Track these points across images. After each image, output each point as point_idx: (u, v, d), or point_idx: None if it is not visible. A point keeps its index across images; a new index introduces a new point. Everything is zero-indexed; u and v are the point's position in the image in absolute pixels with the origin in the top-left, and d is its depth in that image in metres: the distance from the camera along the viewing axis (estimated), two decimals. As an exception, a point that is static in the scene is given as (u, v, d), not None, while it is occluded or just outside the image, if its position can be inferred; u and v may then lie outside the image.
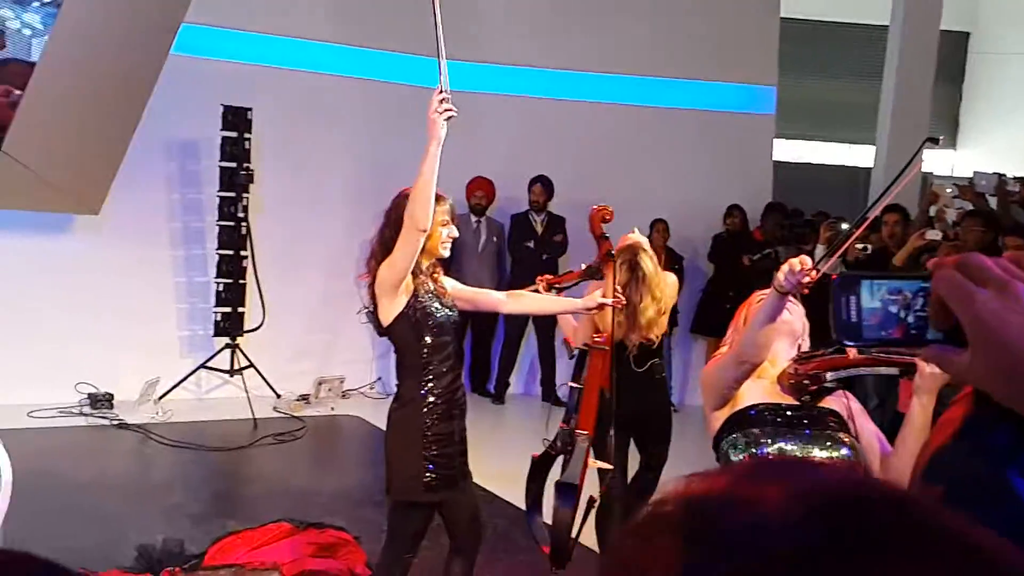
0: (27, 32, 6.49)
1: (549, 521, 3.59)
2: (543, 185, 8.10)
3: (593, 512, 3.69)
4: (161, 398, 7.02)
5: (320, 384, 7.60)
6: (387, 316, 3.24)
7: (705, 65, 8.64)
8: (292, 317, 7.58)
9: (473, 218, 8.02)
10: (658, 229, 7.87)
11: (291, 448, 6.51)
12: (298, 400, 7.40)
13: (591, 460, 3.56)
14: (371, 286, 3.24)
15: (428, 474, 3.21)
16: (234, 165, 7.11)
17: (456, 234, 3.38)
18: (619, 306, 3.61)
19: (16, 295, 6.83)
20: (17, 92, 6.33)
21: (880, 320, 0.80)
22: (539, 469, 3.71)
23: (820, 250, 7.12)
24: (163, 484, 5.70)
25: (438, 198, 3.24)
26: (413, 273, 3.21)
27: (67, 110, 6.53)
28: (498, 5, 8.35)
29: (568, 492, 3.44)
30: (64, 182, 6.70)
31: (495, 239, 8.15)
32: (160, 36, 6.64)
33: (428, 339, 3.24)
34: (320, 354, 7.89)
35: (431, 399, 3.23)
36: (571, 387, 3.65)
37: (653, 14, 8.55)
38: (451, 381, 3.28)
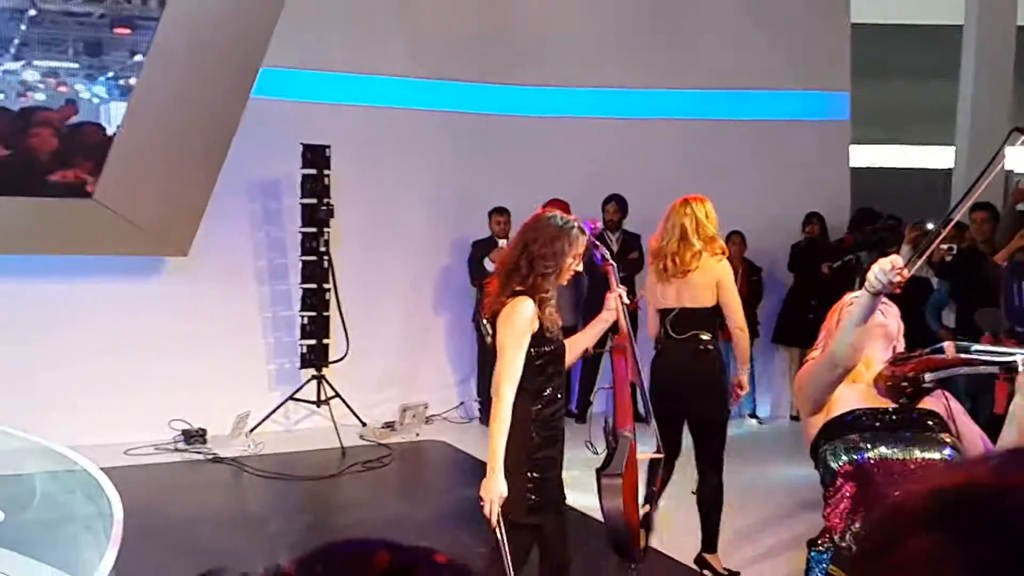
0: (96, 101, 6.80)
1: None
2: (617, 203, 8.12)
3: (651, 508, 3.68)
4: (252, 431, 7.19)
5: (404, 411, 7.71)
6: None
7: (776, 75, 8.59)
8: (375, 346, 7.71)
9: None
10: (734, 241, 7.82)
11: (379, 475, 6.61)
12: (383, 428, 7.51)
13: (639, 454, 3.56)
14: (496, 316, 3.24)
15: (532, 496, 3.24)
16: (314, 201, 7.29)
17: (581, 268, 3.43)
18: (625, 302, 3.67)
19: (110, 337, 7.07)
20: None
21: None
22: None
23: (905, 252, 7.01)
24: (259, 515, 5.83)
25: (581, 230, 3.34)
26: (540, 305, 3.24)
27: (154, 156, 6.78)
28: (566, 28, 8.43)
29: (611, 484, 3.42)
30: (153, 225, 6.94)
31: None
32: (240, 80, 6.87)
33: (547, 367, 3.28)
34: (403, 381, 8.01)
35: (540, 424, 3.26)
36: (604, 390, 3.69)
37: (720, 27, 8.54)
38: (560, 407, 3.34)
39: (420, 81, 8.05)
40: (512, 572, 3.17)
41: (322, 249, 7.32)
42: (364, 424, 7.44)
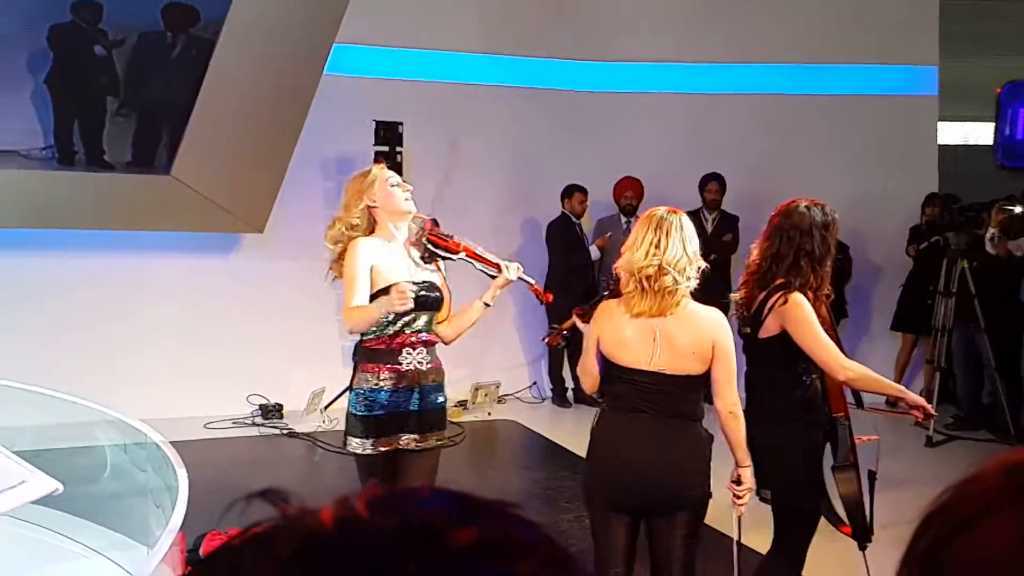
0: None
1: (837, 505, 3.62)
2: (719, 182, 7.95)
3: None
4: (327, 407, 7.26)
5: (477, 390, 7.71)
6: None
7: (861, 48, 8.33)
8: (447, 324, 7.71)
9: (623, 218, 7.97)
10: (816, 220, 7.62)
11: (452, 453, 6.58)
12: (456, 406, 7.52)
13: (856, 438, 3.53)
14: (770, 310, 3.31)
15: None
16: (388, 178, 7.30)
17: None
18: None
19: (189, 313, 7.21)
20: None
21: None
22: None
23: (991, 234, 6.76)
24: (332, 490, 5.85)
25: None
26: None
27: (230, 133, 6.87)
28: (641, 1, 8.29)
29: (845, 477, 3.45)
30: (230, 203, 7.03)
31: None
32: (314, 57, 6.90)
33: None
34: (476, 361, 8.01)
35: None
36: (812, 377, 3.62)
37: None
38: None
39: (493, 57, 8.00)
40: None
41: (395, 226, 7.33)
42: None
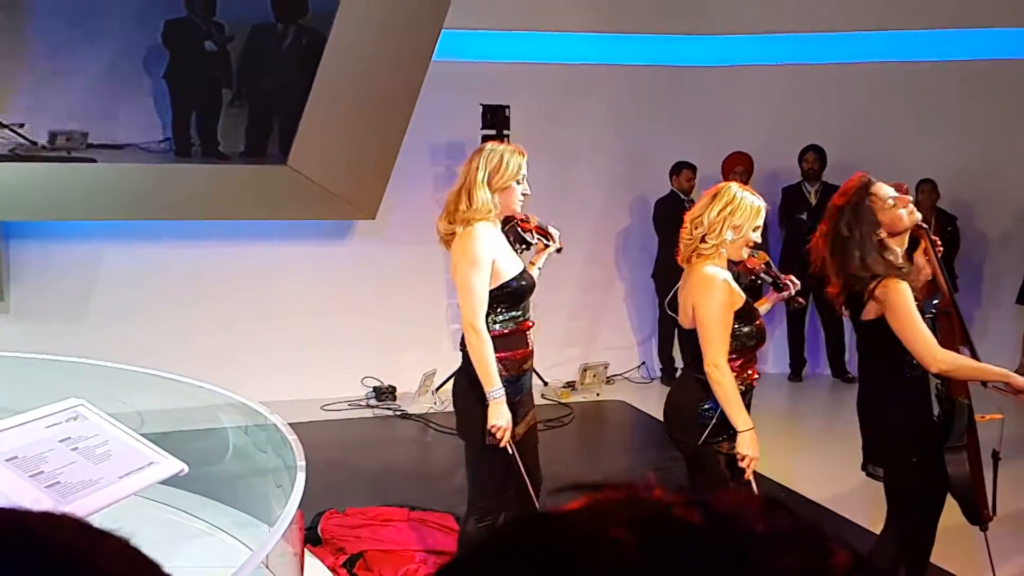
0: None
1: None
2: (816, 153, 7.78)
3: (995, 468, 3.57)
4: (438, 389, 7.38)
5: (585, 371, 7.72)
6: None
7: (975, 11, 7.97)
8: (555, 305, 7.74)
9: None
10: (923, 190, 7.38)
11: (560, 434, 6.66)
12: (564, 387, 7.56)
13: (978, 417, 3.47)
14: (869, 295, 3.28)
15: None
16: (495, 162, 7.35)
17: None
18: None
19: (307, 298, 7.42)
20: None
21: None
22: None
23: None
24: (445, 470, 5.99)
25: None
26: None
27: (342, 123, 7.01)
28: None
29: (954, 458, 3.37)
30: (343, 190, 7.20)
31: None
32: (422, 45, 6.99)
33: None
34: (584, 341, 8.02)
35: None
36: None
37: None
38: None
39: (597, 35, 7.95)
40: None
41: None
42: (545, 383, 7.50)
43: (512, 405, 3.49)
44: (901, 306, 3.20)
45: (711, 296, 3.31)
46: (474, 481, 3.63)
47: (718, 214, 3.33)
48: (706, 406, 3.39)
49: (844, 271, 3.30)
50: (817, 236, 3.41)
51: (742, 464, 3.34)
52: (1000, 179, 7.89)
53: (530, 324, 3.65)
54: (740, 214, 3.33)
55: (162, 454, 2.84)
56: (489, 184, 3.43)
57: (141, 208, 6.90)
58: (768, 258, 3.65)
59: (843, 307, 3.45)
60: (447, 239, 3.53)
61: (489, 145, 3.60)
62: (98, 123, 6.73)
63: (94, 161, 6.76)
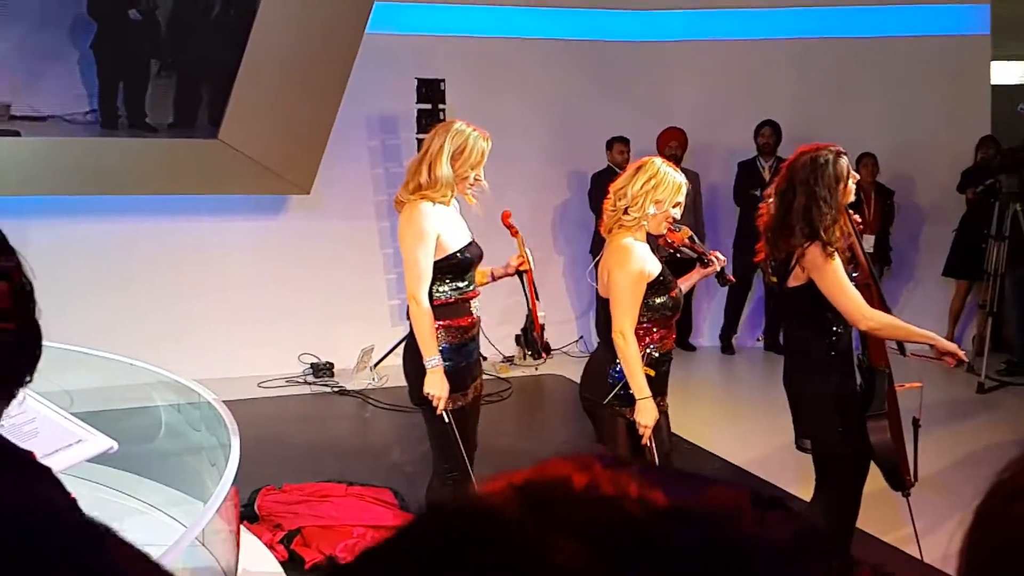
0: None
1: None
2: (772, 128, 7.85)
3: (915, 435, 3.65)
4: (376, 365, 7.35)
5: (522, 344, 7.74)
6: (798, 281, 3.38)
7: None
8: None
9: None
10: (864, 164, 7.51)
11: (500, 408, 6.68)
12: (503, 362, 7.57)
13: (897, 386, 3.56)
14: (798, 259, 3.32)
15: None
16: (431, 136, 7.31)
17: None
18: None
19: (241, 275, 7.31)
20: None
21: None
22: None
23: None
24: (382, 445, 5.99)
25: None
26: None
27: (274, 96, 6.90)
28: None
29: (877, 425, 3.46)
30: (277, 165, 7.09)
31: (690, 189, 7.99)
32: (355, 16, 6.89)
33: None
34: (522, 315, 8.01)
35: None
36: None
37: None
38: None
39: (533, 9, 7.93)
40: None
41: (440, 184, 7.35)
42: (484, 359, 7.49)
43: (459, 372, 3.55)
44: (828, 266, 3.26)
45: (624, 267, 3.38)
46: (434, 444, 3.65)
47: (641, 187, 3.38)
48: (616, 371, 3.43)
49: (783, 224, 3.34)
50: (773, 188, 3.46)
51: (641, 432, 3.40)
52: (935, 153, 8.05)
53: (475, 294, 3.70)
54: (663, 189, 3.39)
55: (91, 432, 2.78)
56: (452, 163, 3.46)
57: (67, 183, 6.73)
58: (691, 233, 3.68)
59: (770, 275, 3.52)
60: (399, 206, 3.58)
61: (457, 124, 3.66)
62: (20, 94, 6.53)
63: (17, 134, 6.56)
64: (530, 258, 3.96)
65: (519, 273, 3.94)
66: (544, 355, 4.24)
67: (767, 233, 3.45)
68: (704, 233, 7.86)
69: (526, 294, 4.02)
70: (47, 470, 0.88)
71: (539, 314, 4.09)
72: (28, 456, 0.83)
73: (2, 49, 6.38)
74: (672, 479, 0.45)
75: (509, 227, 4.07)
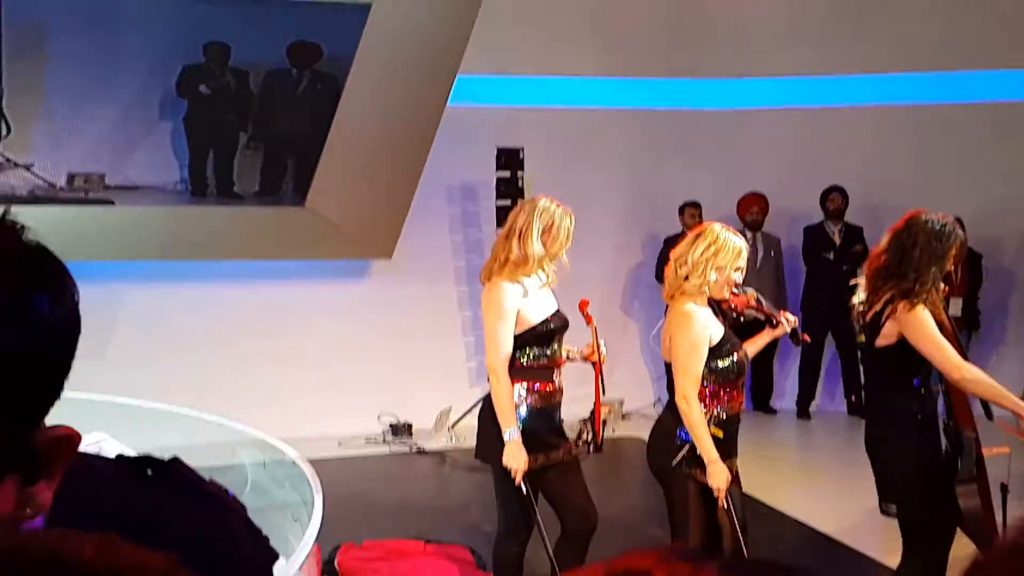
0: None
1: None
2: (840, 194, 7.88)
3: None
4: (454, 425, 7.43)
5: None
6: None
7: (992, 53, 8.05)
8: (571, 344, 7.79)
9: (748, 234, 7.90)
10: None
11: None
12: (580, 423, 7.58)
13: (984, 450, 3.53)
14: (889, 315, 3.35)
15: None
16: (509, 203, 7.44)
17: None
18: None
19: (324, 337, 7.51)
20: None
21: None
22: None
23: None
24: (459, 504, 6.04)
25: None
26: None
27: (359, 164, 7.15)
28: (759, 16, 8.23)
29: (966, 490, 3.43)
30: (360, 231, 7.32)
31: (772, 253, 8.01)
32: (438, 88, 7.14)
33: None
34: (587, 404, 8.05)
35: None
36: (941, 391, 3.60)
37: (927, 5, 8.09)
38: None
39: (610, 79, 8.08)
40: None
41: (518, 249, 7.47)
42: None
43: (543, 438, 3.56)
44: (921, 321, 3.27)
45: (684, 332, 3.42)
46: (499, 502, 3.70)
47: (701, 254, 3.42)
48: (683, 433, 3.47)
49: (897, 270, 3.35)
50: (879, 249, 3.49)
51: (716, 495, 3.41)
52: (1019, 217, 7.92)
53: (561, 361, 3.79)
54: (723, 255, 3.42)
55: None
56: (542, 241, 3.57)
57: (158, 249, 7.03)
58: (757, 295, 3.68)
59: (861, 332, 3.50)
60: (485, 279, 3.73)
61: (542, 201, 3.75)
62: (115, 165, 6.88)
63: (111, 203, 6.90)
64: (603, 350, 3.97)
65: (592, 362, 3.92)
66: (598, 449, 4.31)
67: (874, 276, 3.45)
68: (786, 296, 7.83)
69: (595, 385, 4.04)
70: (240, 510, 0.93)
71: (602, 409, 4.15)
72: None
73: (98, 122, 6.75)
74: (749, 572, 0.49)
75: (585, 316, 4.08)
